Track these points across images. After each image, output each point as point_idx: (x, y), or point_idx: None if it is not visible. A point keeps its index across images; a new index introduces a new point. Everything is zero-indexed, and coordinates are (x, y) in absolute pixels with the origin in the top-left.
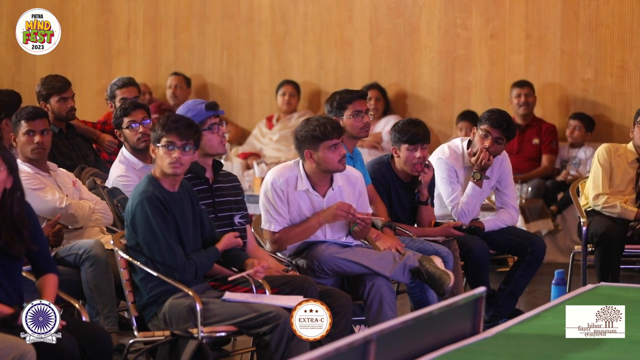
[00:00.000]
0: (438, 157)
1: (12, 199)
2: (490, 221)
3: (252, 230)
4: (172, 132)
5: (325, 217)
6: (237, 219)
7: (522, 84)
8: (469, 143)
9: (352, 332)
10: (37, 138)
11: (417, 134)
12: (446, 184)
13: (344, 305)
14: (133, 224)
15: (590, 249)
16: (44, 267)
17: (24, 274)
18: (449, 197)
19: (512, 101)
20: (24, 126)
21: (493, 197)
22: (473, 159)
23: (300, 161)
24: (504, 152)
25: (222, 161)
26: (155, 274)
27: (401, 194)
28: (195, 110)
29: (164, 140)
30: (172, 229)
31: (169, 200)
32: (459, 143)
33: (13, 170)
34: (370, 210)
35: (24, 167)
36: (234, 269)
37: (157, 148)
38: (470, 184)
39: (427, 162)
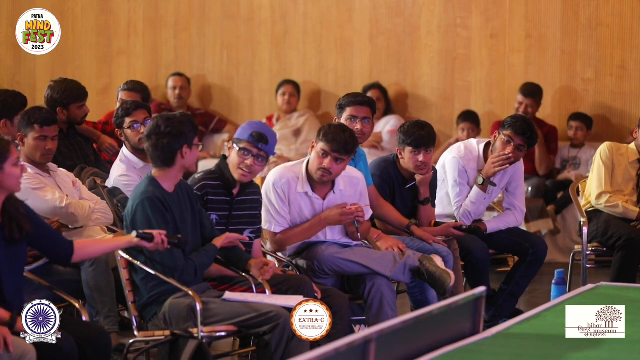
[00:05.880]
0: (453, 156)
1: None
2: (493, 222)
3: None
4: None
5: (328, 221)
6: (246, 233)
7: (528, 94)
8: (487, 145)
9: (352, 332)
10: (48, 144)
11: (421, 137)
12: (455, 185)
13: (342, 305)
14: (133, 224)
15: (591, 248)
16: (63, 245)
17: (25, 274)
18: (455, 198)
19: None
20: (37, 130)
21: (496, 199)
22: (489, 160)
23: (304, 161)
24: None
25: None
26: (155, 273)
27: (404, 193)
28: (244, 128)
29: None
30: (172, 229)
31: (169, 201)
32: (475, 144)
33: None
34: (370, 211)
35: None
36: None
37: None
38: (475, 189)
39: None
